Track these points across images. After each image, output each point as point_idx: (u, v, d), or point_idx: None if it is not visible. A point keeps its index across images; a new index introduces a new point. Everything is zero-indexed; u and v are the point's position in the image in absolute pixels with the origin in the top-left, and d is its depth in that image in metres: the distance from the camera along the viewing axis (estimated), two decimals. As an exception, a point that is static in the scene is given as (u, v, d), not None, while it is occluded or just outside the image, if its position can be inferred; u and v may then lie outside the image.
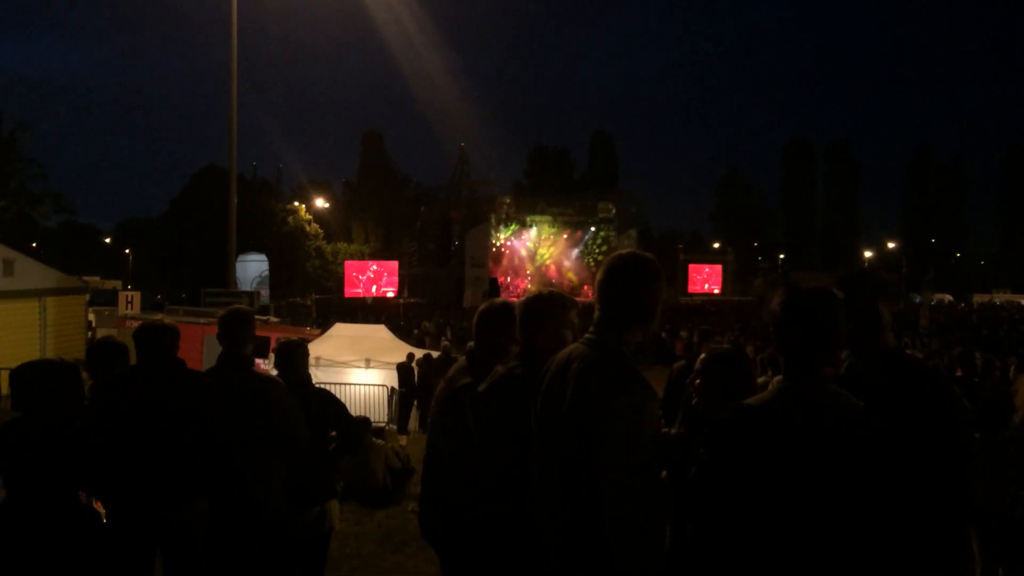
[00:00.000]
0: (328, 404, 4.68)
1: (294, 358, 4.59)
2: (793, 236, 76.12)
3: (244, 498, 4.06)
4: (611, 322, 2.39)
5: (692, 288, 61.73)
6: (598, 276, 2.46)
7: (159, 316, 18.54)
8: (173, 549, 4.02)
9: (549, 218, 55.15)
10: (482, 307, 3.26)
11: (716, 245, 71.87)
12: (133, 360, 4.36)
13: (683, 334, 27.22)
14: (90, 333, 19.80)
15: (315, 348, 13.90)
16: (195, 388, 4.08)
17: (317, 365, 14.01)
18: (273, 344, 16.48)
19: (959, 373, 7.63)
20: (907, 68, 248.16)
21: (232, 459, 4.05)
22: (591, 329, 2.43)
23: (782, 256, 75.08)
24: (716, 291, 62.73)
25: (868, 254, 72.69)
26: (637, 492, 2.14)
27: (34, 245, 48.11)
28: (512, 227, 54.34)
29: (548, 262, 55.84)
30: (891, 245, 72.12)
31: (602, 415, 2.16)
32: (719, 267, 64.84)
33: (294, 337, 5.07)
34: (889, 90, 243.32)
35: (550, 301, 2.93)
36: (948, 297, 56.14)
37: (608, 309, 2.40)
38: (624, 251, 2.49)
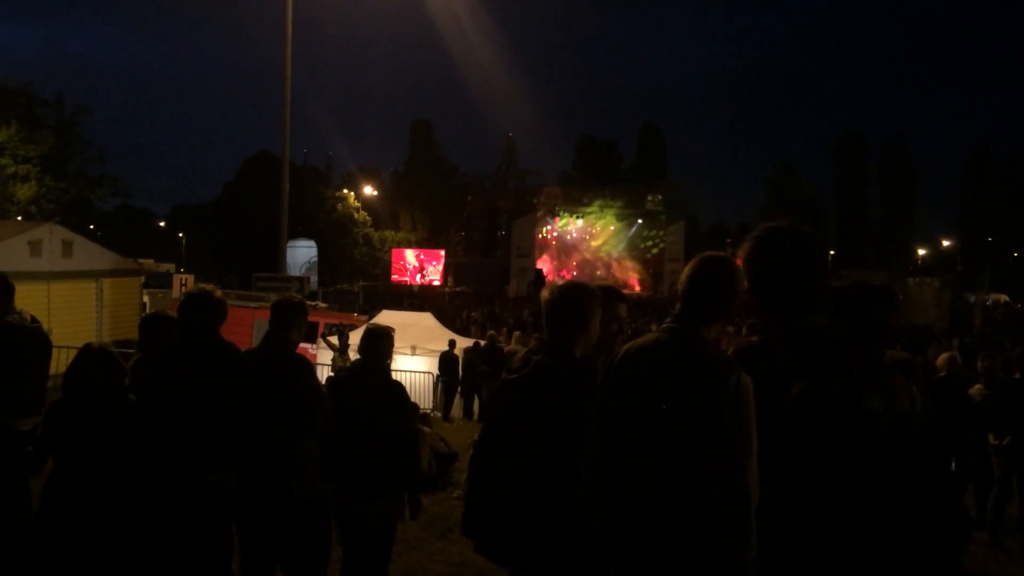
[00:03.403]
0: (400, 397, 4.72)
1: (378, 346, 4.64)
2: (845, 232, 74.66)
3: (274, 473, 4.19)
4: (695, 316, 2.43)
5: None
6: (687, 272, 2.49)
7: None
8: (206, 516, 4.12)
9: (596, 209, 54.91)
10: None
11: (765, 240, 70.82)
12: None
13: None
14: (144, 315, 20.23)
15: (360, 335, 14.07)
16: (232, 364, 4.19)
17: (364, 351, 14.17)
18: (321, 329, 16.65)
19: (1017, 375, 7.45)
20: (966, 62, 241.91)
21: (262, 435, 4.18)
22: (670, 319, 2.47)
23: (832, 252, 73.84)
24: (764, 286, 61.88)
25: (922, 252, 71.08)
26: (747, 472, 2.16)
27: (91, 227, 49.26)
28: (559, 217, 54.25)
29: (596, 254, 55.66)
30: (946, 243, 70.40)
31: (716, 395, 2.18)
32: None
33: (381, 325, 5.15)
34: (947, 84, 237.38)
35: (576, 293, 2.94)
36: (1004, 297, 54.68)
37: (693, 304, 2.45)
38: (714, 254, 2.54)
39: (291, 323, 4.38)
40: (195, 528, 4.14)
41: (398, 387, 4.74)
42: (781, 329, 2.28)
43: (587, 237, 55.72)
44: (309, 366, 4.45)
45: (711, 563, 2.15)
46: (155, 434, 3.90)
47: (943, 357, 8.71)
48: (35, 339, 4.61)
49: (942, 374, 8.11)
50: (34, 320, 4.67)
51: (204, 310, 4.17)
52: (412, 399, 12.90)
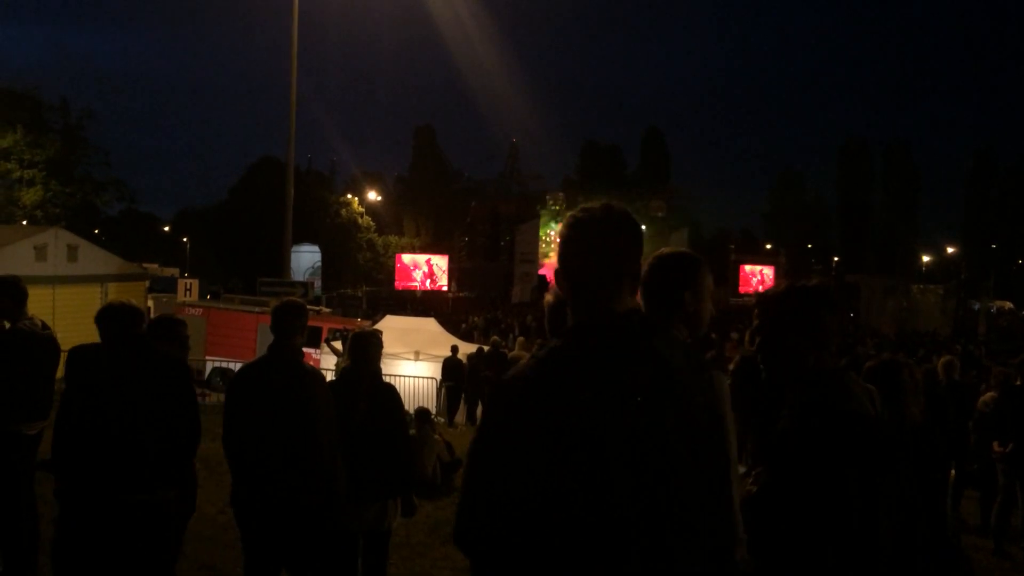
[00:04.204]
0: (392, 399, 4.72)
1: (367, 349, 4.64)
2: (848, 238, 74.48)
3: (276, 484, 4.06)
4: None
5: (743, 289, 61.05)
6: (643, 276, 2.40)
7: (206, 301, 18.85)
8: (137, 534, 3.78)
9: (599, 215, 54.83)
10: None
11: (768, 246, 70.81)
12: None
13: (733, 335, 26.96)
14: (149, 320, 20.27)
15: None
16: (162, 368, 3.98)
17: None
18: (325, 334, 16.64)
19: (1018, 382, 7.46)
20: (970, 67, 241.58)
21: (265, 446, 4.07)
22: None
23: (836, 258, 73.67)
24: (767, 293, 61.74)
25: (926, 258, 70.95)
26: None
27: (96, 232, 49.32)
28: (562, 222, 54.24)
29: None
30: (950, 250, 70.30)
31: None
32: (771, 268, 63.97)
33: (367, 327, 5.17)
34: (951, 90, 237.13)
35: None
36: (1008, 304, 54.61)
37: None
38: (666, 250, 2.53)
39: (294, 328, 4.27)
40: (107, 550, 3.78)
41: (389, 389, 4.74)
42: (587, 313, 2.04)
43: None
44: (319, 378, 4.35)
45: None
46: (79, 444, 3.70)
47: (940, 362, 8.72)
48: (45, 346, 4.65)
49: (941, 379, 8.13)
50: (44, 326, 4.71)
51: (116, 318, 4.03)
52: (416, 404, 12.98)
